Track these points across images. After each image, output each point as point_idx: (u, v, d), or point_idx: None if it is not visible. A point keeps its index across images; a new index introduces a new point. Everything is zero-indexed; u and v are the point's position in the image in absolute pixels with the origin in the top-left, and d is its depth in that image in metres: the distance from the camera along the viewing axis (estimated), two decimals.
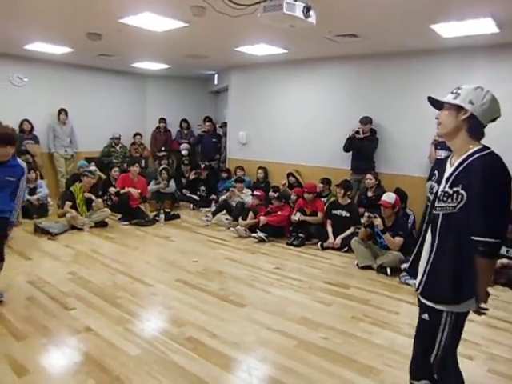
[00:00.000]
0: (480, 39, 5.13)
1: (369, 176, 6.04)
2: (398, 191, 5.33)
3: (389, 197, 4.77)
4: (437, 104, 1.88)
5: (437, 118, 1.87)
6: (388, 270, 4.60)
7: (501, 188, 1.66)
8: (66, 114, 8.21)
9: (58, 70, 8.33)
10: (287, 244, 5.76)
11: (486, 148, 1.74)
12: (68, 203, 6.25)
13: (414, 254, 2.00)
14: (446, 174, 1.81)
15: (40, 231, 5.83)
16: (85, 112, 8.73)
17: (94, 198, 6.44)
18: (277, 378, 2.62)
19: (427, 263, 1.85)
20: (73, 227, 6.12)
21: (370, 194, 6.05)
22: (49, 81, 8.28)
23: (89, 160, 8.11)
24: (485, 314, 1.84)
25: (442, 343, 1.84)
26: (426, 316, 1.86)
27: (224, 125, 9.20)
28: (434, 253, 1.83)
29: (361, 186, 6.48)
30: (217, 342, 3.04)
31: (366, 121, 6.41)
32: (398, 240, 4.65)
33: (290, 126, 7.69)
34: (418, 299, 1.95)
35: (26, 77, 7.97)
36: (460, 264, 1.74)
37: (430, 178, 5.67)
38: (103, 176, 7.70)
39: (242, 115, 8.44)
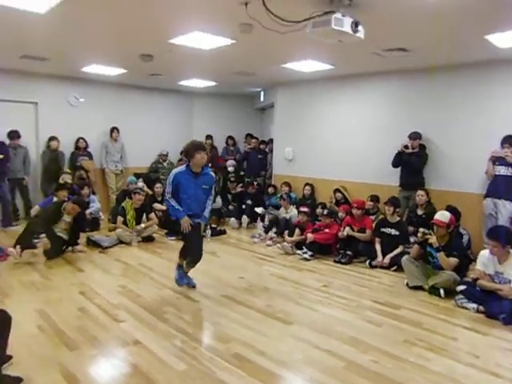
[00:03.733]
0: None
1: (420, 192, 5.85)
2: (450, 209, 5.10)
3: (443, 216, 4.55)
4: None
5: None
6: (442, 292, 4.36)
7: None
8: (118, 131, 8.56)
9: (110, 91, 8.75)
10: (334, 261, 5.63)
11: None
12: (120, 218, 6.45)
13: None
14: None
15: (92, 244, 6.04)
16: (134, 129, 9.06)
17: (143, 226, 6.56)
18: None
19: None
20: (121, 241, 6.29)
21: (419, 211, 5.85)
22: (102, 100, 8.70)
23: (137, 175, 8.36)
24: None
25: None
26: None
27: (270, 141, 9.25)
28: None
29: (410, 204, 6.28)
30: (264, 359, 2.99)
31: (415, 136, 6.26)
32: (453, 260, 4.41)
33: (337, 141, 7.61)
34: None
35: (82, 97, 8.39)
36: None
37: (487, 195, 5.43)
38: (150, 192, 7.88)
39: (288, 131, 8.45)
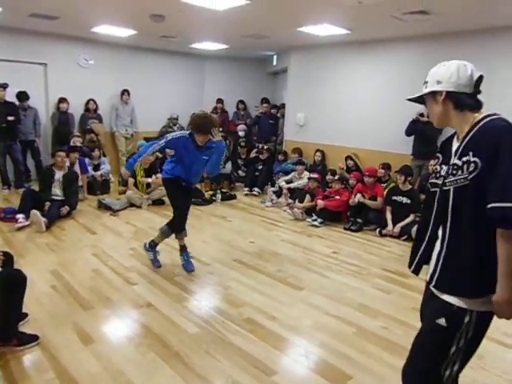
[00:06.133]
0: None
1: (433, 162, 5.73)
2: None
3: None
4: (418, 100, 1.77)
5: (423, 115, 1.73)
6: None
7: None
8: (129, 94, 8.45)
9: (120, 53, 8.58)
10: (344, 229, 5.64)
11: (492, 114, 1.53)
12: (131, 180, 6.48)
13: (421, 253, 1.74)
14: (453, 149, 1.61)
15: (103, 207, 6.09)
16: (144, 93, 8.93)
17: (150, 180, 6.62)
18: (335, 366, 2.56)
19: (440, 254, 1.60)
20: (132, 204, 6.33)
21: None
22: (112, 63, 8.55)
23: (147, 140, 8.29)
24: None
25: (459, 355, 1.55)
26: (441, 321, 1.56)
27: (282, 106, 9.10)
28: (447, 240, 1.57)
29: (422, 173, 6.21)
30: (275, 324, 3.03)
31: None
32: None
33: (350, 108, 7.46)
34: (427, 298, 1.72)
35: (92, 59, 8.26)
36: (481, 248, 1.48)
37: None
38: (160, 155, 7.85)
39: (300, 97, 8.29)
